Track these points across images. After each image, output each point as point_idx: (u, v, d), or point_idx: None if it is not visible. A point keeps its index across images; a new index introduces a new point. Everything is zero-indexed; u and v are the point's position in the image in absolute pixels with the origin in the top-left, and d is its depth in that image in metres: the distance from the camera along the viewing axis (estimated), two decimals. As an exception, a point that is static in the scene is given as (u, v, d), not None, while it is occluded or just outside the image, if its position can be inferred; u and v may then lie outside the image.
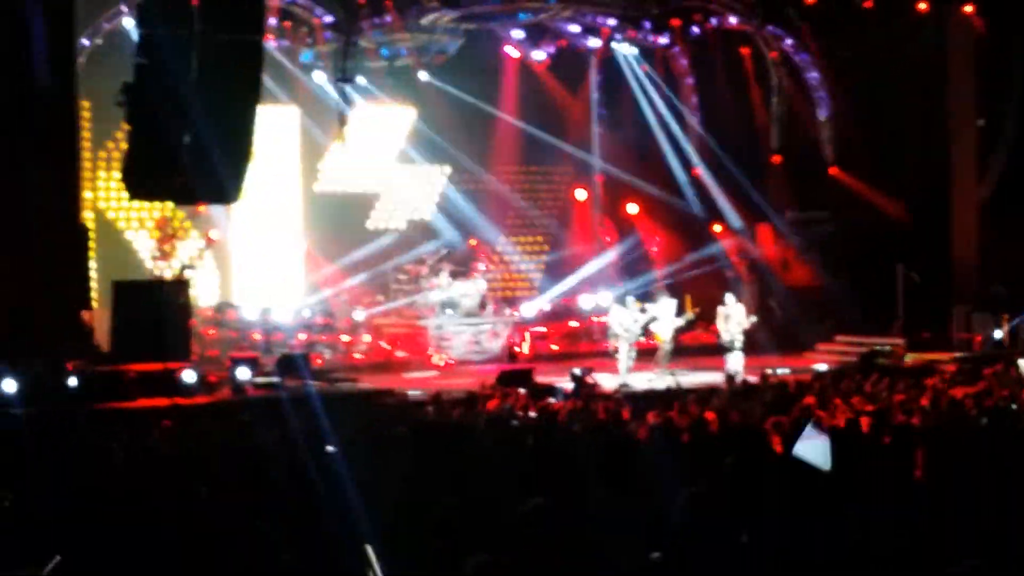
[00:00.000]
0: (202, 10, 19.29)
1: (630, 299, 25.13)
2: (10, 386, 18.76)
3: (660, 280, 28.16)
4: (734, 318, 24.48)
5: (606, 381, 23.01)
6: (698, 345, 27.50)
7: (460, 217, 31.51)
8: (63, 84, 19.28)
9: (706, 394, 18.35)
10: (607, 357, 25.78)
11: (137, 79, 19.46)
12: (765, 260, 32.22)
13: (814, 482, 10.34)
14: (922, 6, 28.25)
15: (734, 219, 32.20)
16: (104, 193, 27.51)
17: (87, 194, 25.55)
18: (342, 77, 26.99)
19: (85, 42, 25.36)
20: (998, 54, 28.99)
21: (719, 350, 24.71)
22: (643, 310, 24.78)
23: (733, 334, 24.34)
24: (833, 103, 31.07)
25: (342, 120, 27.29)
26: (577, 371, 22.94)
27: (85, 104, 25.94)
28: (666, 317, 24.86)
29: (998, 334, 27.01)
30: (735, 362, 24.12)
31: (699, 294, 27.09)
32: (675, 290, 27.45)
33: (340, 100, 27.80)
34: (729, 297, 25.01)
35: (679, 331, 25.18)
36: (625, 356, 24.46)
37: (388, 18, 27.12)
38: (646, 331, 25.05)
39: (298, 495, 10.33)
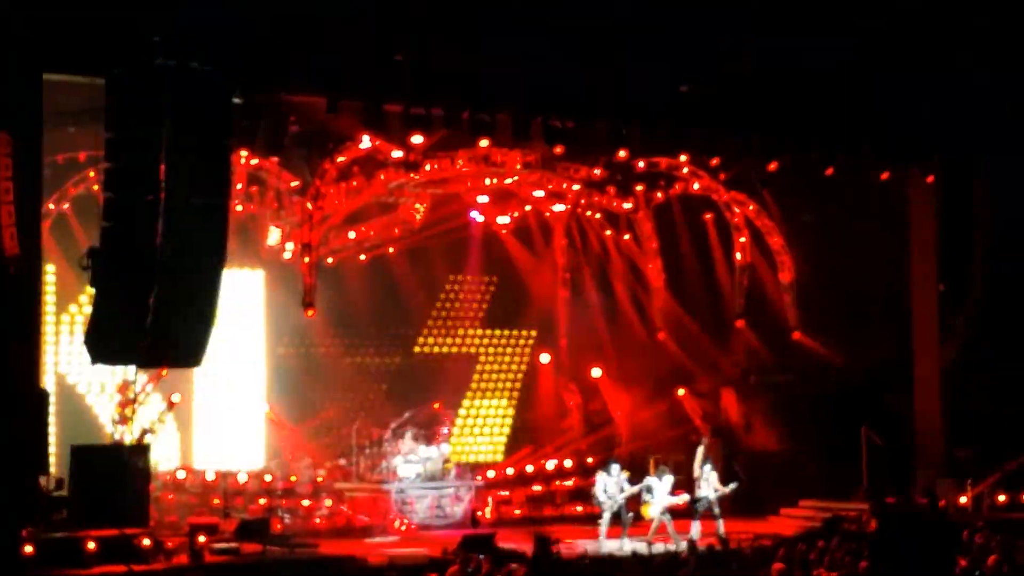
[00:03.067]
0: (169, 175, 19.45)
1: (615, 466, 24.99)
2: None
3: (657, 454, 27.83)
4: (711, 484, 24.50)
5: (578, 547, 22.77)
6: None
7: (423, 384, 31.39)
8: (28, 249, 19.23)
9: (670, 561, 18.21)
10: (571, 522, 25.50)
11: (103, 243, 19.54)
12: (729, 423, 32.24)
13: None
14: (883, 175, 28.67)
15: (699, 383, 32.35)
16: (66, 357, 27.38)
17: (48, 358, 25.40)
18: (306, 244, 27.05)
19: (51, 206, 25.46)
20: (958, 221, 29.40)
21: (688, 515, 24.57)
22: (632, 481, 24.65)
23: (710, 499, 24.36)
24: (795, 268, 31.32)
25: (306, 287, 27.28)
26: (541, 535, 22.70)
27: (49, 268, 25.98)
28: (662, 492, 24.62)
29: (963, 500, 26.92)
30: (697, 528, 24.02)
31: (665, 457, 27.03)
32: (642, 455, 27.37)
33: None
34: (706, 464, 24.95)
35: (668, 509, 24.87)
36: (605, 522, 24.32)
37: (354, 182, 27.34)
38: (633, 500, 24.85)
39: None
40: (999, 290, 28.96)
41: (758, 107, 25.44)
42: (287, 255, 28.50)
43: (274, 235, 28.59)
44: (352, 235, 29.77)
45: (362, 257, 30.70)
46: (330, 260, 29.79)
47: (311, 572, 21.75)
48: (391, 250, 30.75)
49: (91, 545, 19.80)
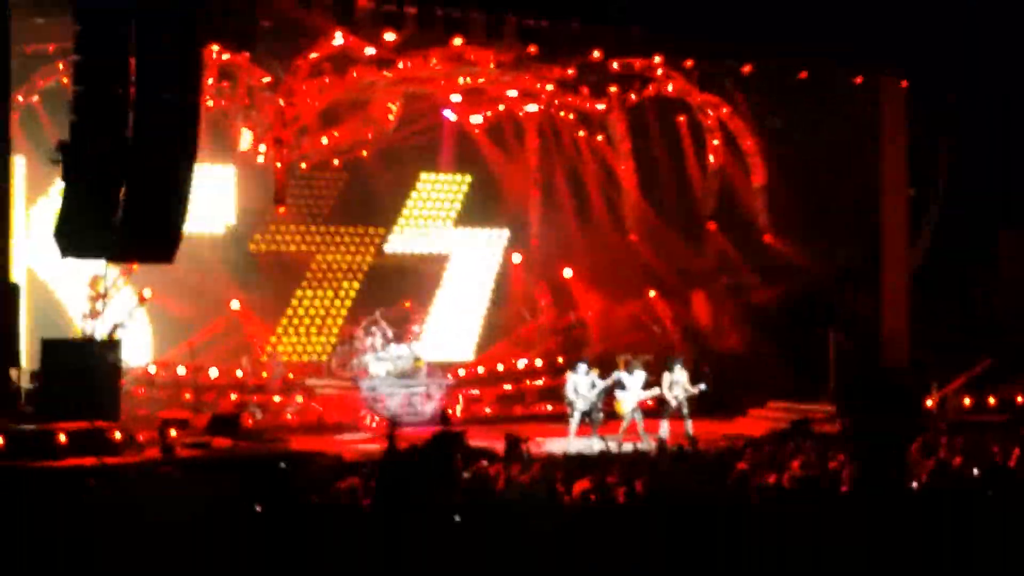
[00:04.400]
0: (139, 69, 19.32)
1: (582, 365, 25.13)
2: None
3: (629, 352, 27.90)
4: (680, 384, 24.67)
5: (548, 446, 22.94)
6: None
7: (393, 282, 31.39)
8: (-4, 141, 19.20)
9: (638, 459, 18.40)
10: (542, 421, 25.64)
11: (72, 137, 19.44)
12: (699, 325, 32.48)
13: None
14: (856, 79, 28.69)
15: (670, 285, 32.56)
16: (36, 252, 27.28)
17: (18, 253, 25.32)
18: (277, 139, 26.94)
19: (20, 98, 25.23)
20: (928, 125, 29.51)
21: (658, 414, 24.78)
22: (602, 377, 24.80)
23: (680, 400, 24.54)
24: (767, 171, 31.37)
25: (278, 184, 27.20)
26: (512, 435, 22.88)
27: (19, 161, 25.79)
28: (634, 388, 24.76)
29: (928, 403, 27.24)
30: (666, 428, 24.27)
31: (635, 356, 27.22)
32: (612, 355, 27.55)
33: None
34: (675, 363, 25.12)
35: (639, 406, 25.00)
36: (575, 421, 24.53)
37: (326, 79, 27.14)
38: (605, 397, 25.01)
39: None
40: (964, 197, 29.17)
41: (732, 10, 25.35)
42: (260, 158, 28.31)
43: (246, 138, 28.38)
44: (324, 140, 29.62)
45: (335, 162, 30.53)
46: (303, 166, 29.68)
47: (284, 467, 21.91)
48: (364, 153, 30.58)
49: (62, 437, 19.94)
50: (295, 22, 24.12)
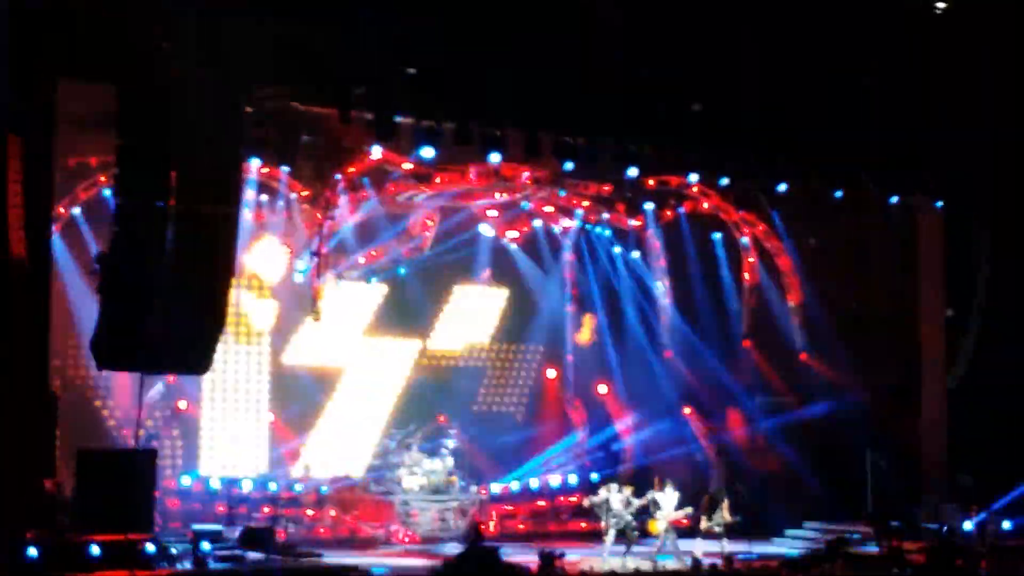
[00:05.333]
0: (180, 182, 19.56)
1: (613, 486, 25.01)
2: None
3: (659, 470, 27.68)
4: (721, 511, 24.60)
5: (582, 564, 22.77)
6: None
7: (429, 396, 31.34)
8: (37, 252, 19.33)
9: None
10: (576, 538, 25.47)
11: (112, 249, 19.64)
12: (734, 443, 32.24)
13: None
14: (892, 199, 28.71)
15: (705, 402, 32.37)
16: (73, 361, 27.41)
17: (56, 362, 25.49)
18: (315, 252, 27.14)
19: (61, 210, 25.56)
20: (965, 247, 29.50)
21: (693, 534, 24.61)
22: (635, 495, 24.66)
23: (717, 526, 24.41)
24: (803, 290, 31.34)
25: (314, 296, 27.36)
26: (546, 550, 22.73)
27: (60, 272, 26.04)
28: (667, 508, 24.60)
29: (967, 525, 26.88)
30: (701, 548, 24.11)
31: (670, 477, 26.99)
32: (646, 473, 27.35)
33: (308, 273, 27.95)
34: (719, 491, 25.03)
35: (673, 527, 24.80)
36: (610, 539, 24.36)
37: (364, 193, 27.44)
38: (640, 516, 24.83)
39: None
40: (1001, 317, 29.04)
41: (768, 129, 25.52)
42: (297, 277, 28.50)
43: (284, 257, 28.69)
44: (362, 260, 29.86)
45: (373, 280, 30.67)
46: (339, 284, 29.84)
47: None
48: (401, 271, 30.75)
49: (95, 549, 19.89)
50: (334, 137, 24.43)
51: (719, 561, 22.24)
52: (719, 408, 32.58)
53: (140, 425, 25.47)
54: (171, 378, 25.65)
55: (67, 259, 25.80)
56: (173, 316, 19.85)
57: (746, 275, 31.91)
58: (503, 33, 22.08)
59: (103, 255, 19.76)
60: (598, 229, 32.09)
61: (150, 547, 20.61)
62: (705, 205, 30.51)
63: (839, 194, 28.41)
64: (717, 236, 31.93)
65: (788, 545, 26.76)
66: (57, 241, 24.41)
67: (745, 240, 31.49)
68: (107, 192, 24.09)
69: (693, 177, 28.93)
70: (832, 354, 31.24)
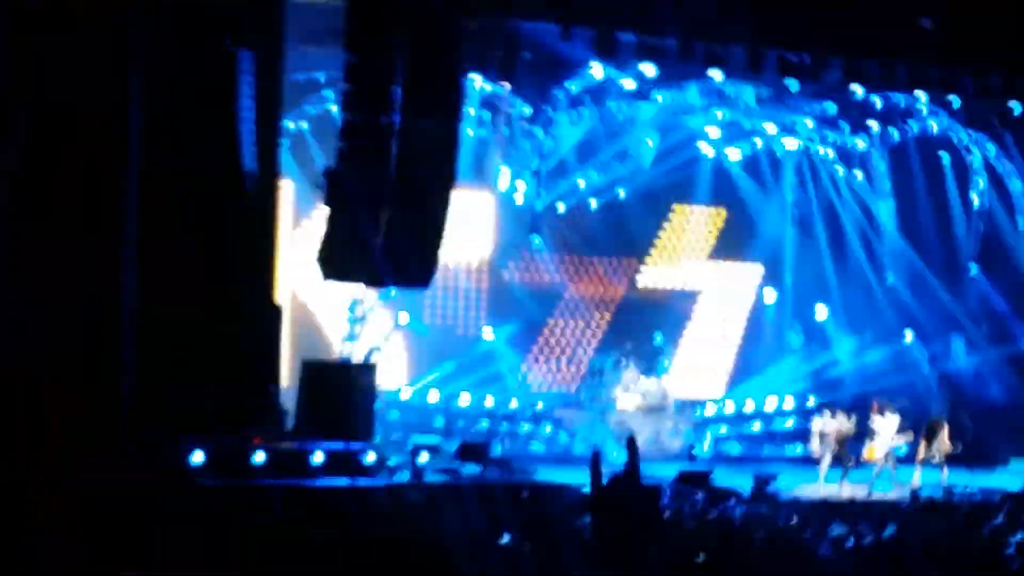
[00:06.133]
0: (404, 97, 19.78)
1: (826, 413, 24.67)
2: (198, 457, 19.16)
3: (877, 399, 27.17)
4: (940, 439, 24.02)
5: (796, 490, 22.54)
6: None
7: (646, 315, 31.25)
8: (267, 166, 19.77)
9: (888, 508, 17.95)
10: (791, 462, 25.23)
11: (338, 163, 20.02)
12: (957, 371, 31.46)
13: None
14: None
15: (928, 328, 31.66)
16: (299, 273, 28.06)
17: (284, 273, 26.13)
18: (535, 171, 27.27)
19: (290, 125, 26.09)
20: None
21: (911, 462, 24.14)
22: (854, 423, 24.26)
23: (937, 453, 23.87)
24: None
25: (535, 214, 27.53)
26: (760, 474, 22.60)
27: (288, 184, 26.65)
28: (885, 434, 24.14)
29: None
30: (919, 476, 23.58)
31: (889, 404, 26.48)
32: (865, 399, 26.87)
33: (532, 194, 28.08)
34: (938, 420, 24.46)
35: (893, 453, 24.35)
36: (825, 464, 24.04)
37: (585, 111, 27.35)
38: (853, 444, 24.45)
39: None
40: None
41: (1000, 44, 24.50)
42: (518, 198, 28.64)
43: (504, 176, 28.81)
44: (582, 182, 29.83)
45: (592, 204, 30.63)
46: (560, 208, 29.88)
47: (529, 498, 22.01)
48: (621, 193, 30.62)
49: (318, 457, 20.41)
50: (555, 54, 24.29)
51: (938, 494, 21.79)
52: (943, 334, 31.81)
53: (360, 338, 26.10)
54: (393, 291, 25.96)
55: (295, 173, 26.37)
56: (396, 230, 20.16)
57: (975, 198, 30.91)
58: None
59: (329, 169, 20.13)
60: (822, 149, 31.41)
61: (370, 457, 21.03)
62: (933, 125, 29.57)
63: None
64: (946, 158, 30.97)
65: (1012, 476, 25.99)
66: (286, 155, 24.93)
67: (975, 162, 30.47)
68: (334, 107, 24.40)
69: (922, 96, 27.95)
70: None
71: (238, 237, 19.27)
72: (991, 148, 30.03)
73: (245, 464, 19.68)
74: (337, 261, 20.42)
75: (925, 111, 28.88)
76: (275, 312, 21.34)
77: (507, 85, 26.28)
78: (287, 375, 23.34)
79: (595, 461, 16.62)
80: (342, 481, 19.98)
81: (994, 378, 31.19)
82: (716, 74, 24.68)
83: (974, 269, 31.54)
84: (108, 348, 18.73)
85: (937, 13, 24.03)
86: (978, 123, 29.44)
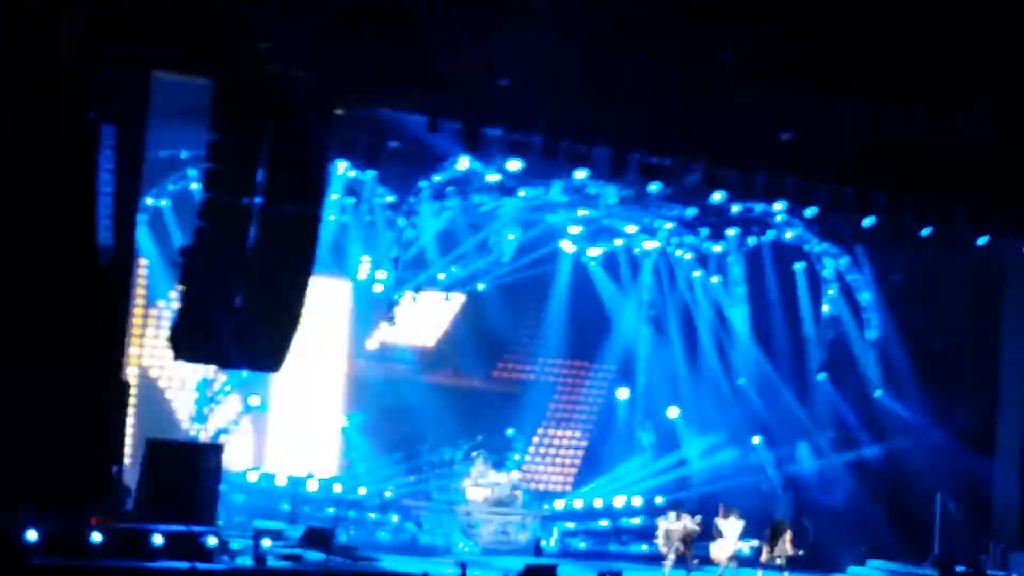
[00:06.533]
0: (267, 179, 19.69)
1: (672, 514, 24.81)
2: (32, 535, 18.65)
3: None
4: (783, 541, 24.30)
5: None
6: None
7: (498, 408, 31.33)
8: (122, 241, 19.49)
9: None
10: (636, 560, 25.29)
11: (195, 242, 19.82)
12: (802, 476, 31.90)
13: None
14: (981, 239, 27.99)
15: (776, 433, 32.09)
16: (150, 351, 27.68)
17: (134, 350, 25.71)
18: (395, 259, 27.28)
19: (149, 201, 25.82)
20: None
21: (754, 565, 24.37)
22: (700, 524, 24.40)
23: (780, 555, 24.17)
24: (882, 326, 30.97)
25: (391, 303, 27.50)
26: (605, 570, 22.66)
27: (143, 262, 26.33)
28: (730, 537, 24.32)
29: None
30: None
31: (735, 506, 26.76)
32: (712, 499, 27.11)
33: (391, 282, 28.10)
34: (781, 522, 24.76)
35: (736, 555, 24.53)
36: (670, 562, 24.17)
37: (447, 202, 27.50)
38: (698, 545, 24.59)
39: None
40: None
41: (857, 162, 25.16)
42: (376, 287, 28.68)
43: (364, 266, 28.84)
44: (441, 276, 30.01)
45: (447, 298, 30.77)
46: (415, 298, 29.94)
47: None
48: (480, 287, 30.79)
49: (158, 539, 19.98)
50: (422, 145, 24.40)
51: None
52: (789, 440, 32.29)
53: (208, 419, 25.81)
54: (244, 372, 25.70)
55: (152, 250, 26.08)
56: (251, 313, 19.99)
57: (826, 307, 31.57)
58: (595, 53, 21.92)
59: (186, 248, 19.92)
60: (680, 252, 31.90)
61: (212, 540, 20.66)
62: (788, 234, 30.21)
63: (928, 231, 27.89)
64: (799, 266, 31.63)
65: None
66: (145, 232, 24.66)
67: (827, 272, 31.15)
68: (195, 186, 24.22)
69: (779, 206, 28.52)
70: (908, 392, 30.88)
71: (88, 311, 18.91)
72: (843, 260, 30.72)
73: (82, 543, 19.20)
74: (188, 340, 20.15)
75: (781, 219, 29.46)
76: (122, 388, 20.95)
77: (372, 173, 26.33)
78: (132, 453, 22.91)
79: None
80: (182, 564, 19.58)
81: (837, 484, 31.65)
82: (580, 173, 24.90)
83: (822, 376, 32.06)
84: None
85: (796, 127, 24.57)
86: (832, 235, 30.11)
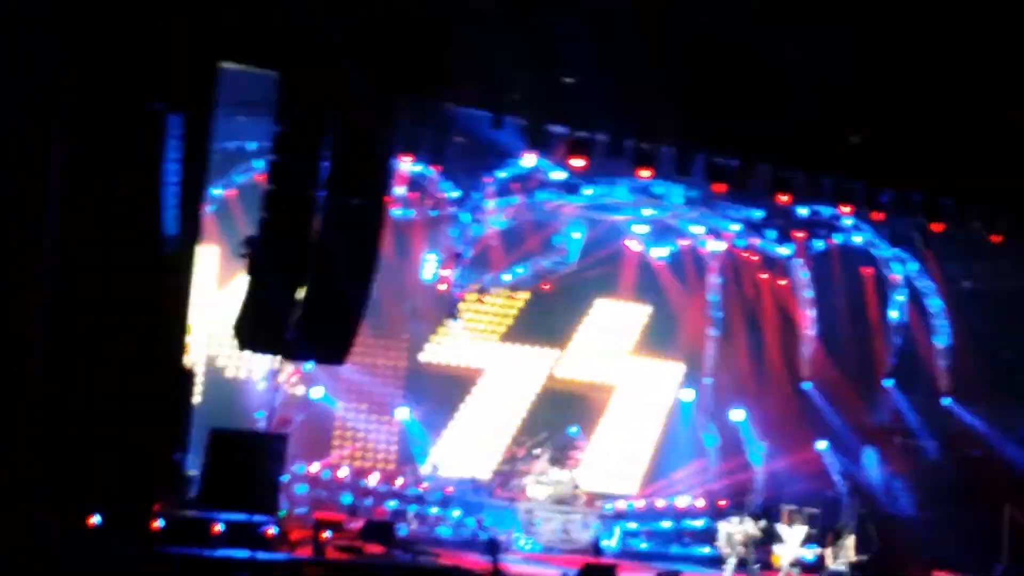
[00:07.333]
0: (332, 174, 19.81)
1: (734, 518, 24.71)
2: (96, 520, 18.89)
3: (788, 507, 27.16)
4: (846, 548, 24.18)
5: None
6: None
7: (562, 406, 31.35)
8: (188, 230, 19.68)
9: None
10: (697, 563, 25.26)
11: (260, 233, 19.99)
12: (869, 483, 31.66)
13: None
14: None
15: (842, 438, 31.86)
16: (218, 340, 27.93)
17: (201, 339, 25.94)
18: (459, 256, 27.42)
19: (217, 192, 26.11)
20: None
21: (818, 571, 24.25)
22: (763, 528, 24.31)
23: (843, 562, 24.02)
24: (952, 333, 30.70)
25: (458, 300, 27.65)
26: (665, 571, 22.63)
27: (212, 251, 26.63)
28: (793, 544, 24.20)
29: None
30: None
31: (799, 511, 26.61)
32: (776, 504, 26.98)
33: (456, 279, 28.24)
34: (847, 530, 24.62)
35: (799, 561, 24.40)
36: (729, 569, 24.10)
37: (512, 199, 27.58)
38: (761, 549, 24.48)
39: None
40: None
41: (927, 167, 24.88)
42: (441, 285, 28.84)
43: (429, 265, 29.00)
44: (507, 278, 30.13)
45: (512, 295, 30.88)
46: (482, 294, 30.07)
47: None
48: (545, 287, 30.86)
49: (218, 527, 20.21)
50: (487, 141, 24.46)
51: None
52: (855, 446, 32.04)
53: (275, 409, 26.03)
54: (308, 364, 25.91)
55: (224, 239, 26.36)
56: (315, 305, 20.11)
57: (894, 313, 31.31)
58: (661, 52, 21.81)
59: (251, 238, 20.10)
60: (746, 253, 31.77)
61: (272, 530, 20.87)
62: (857, 239, 30.01)
63: (996, 238, 27.55)
64: (867, 272, 31.38)
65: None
66: (210, 222, 24.88)
67: (895, 277, 30.90)
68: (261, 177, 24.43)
69: (847, 209, 28.29)
70: (977, 401, 30.56)
71: (151, 301, 19.11)
72: (912, 265, 30.47)
73: (144, 529, 19.43)
74: (252, 331, 20.31)
75: (849, 223, 29.28)
76: (185, 377, 21.16)
77: (438, 168, 26.42)
78: (196, 442, 23.11)
79: (492, 546, 16.59)
80: (242, 553, 19.78)
81: (903, 492, 31.37)
82: (645, 172, 24.82)
83: (889, 382, 31.80)
84: (15, 411, 18.44)
85: (865, 129, 24.33)
86: (901, 240, 29.88)
